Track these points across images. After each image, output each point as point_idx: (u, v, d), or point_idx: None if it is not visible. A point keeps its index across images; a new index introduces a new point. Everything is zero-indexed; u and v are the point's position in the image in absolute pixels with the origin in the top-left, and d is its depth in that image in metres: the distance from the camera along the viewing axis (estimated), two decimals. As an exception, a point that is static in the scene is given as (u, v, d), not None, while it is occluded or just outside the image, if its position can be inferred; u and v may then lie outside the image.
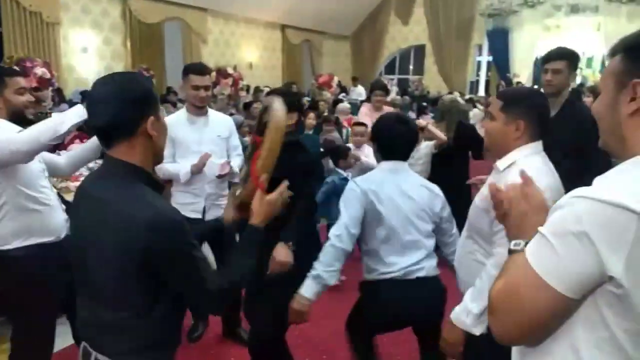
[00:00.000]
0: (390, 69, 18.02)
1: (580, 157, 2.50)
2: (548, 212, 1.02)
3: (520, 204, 1.07)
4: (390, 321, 2.21)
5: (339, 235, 2.06)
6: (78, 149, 2.46)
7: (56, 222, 2.21)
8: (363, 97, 11.69)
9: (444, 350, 1.86)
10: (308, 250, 2.17)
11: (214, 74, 7.79)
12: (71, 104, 7.36)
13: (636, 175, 0.87)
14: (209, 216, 2.98)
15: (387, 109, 4.82)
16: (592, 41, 12.30)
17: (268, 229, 1.47)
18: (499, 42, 13.51)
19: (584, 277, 0.85)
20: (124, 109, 1.23)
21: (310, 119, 5.60)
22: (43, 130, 1.97)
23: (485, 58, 15.56)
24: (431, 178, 2.68)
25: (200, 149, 2.96)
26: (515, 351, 1.07)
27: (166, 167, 2.92)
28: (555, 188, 1.60)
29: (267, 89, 11.41)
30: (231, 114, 5.80)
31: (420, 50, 16.93)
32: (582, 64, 11.00)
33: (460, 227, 2.09)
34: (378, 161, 2.29)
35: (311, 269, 2.03)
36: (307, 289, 2.01)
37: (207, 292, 1.29)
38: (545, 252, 0.89)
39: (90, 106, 1.29)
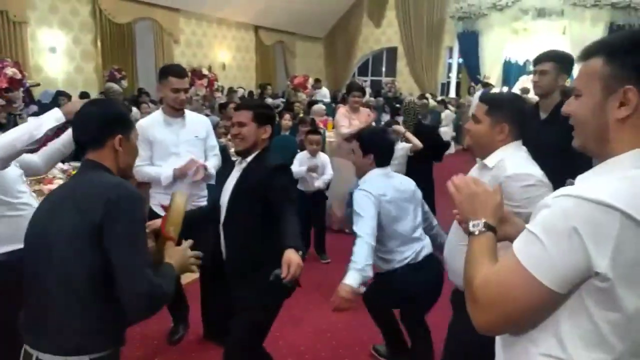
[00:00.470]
0: (363, 70, 18.16)
1: (566, 157, 2.55)
2: (498, 192, 1.12)
3: (470, 186, 1.16)
4: (409, 297, 2.55)
5: (369, 233, 2.33)
6: (52, 143, 2.41)
7: None
8: (327, 98, 11.72)
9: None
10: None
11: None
12: (40, 105, 7.15)
13: (618, 175, 0.91)
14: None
15: (363, 110, 4.89)
16: (559, 44, 12.61)
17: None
18: (469, 45, 13.70)
19: (572, 272, 0.88)
20: (95, 127, 1.54)
21: (286, 120, 5.63)
22: (18, 135, 1.94)
23: (456, 60, 15.80)
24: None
25: (177, 150, 2.95)
26: (499, 339, 1.10)
27: (146, 170, 2.90)
28: (543, 175, 1.75)
29: (241, 90, 11.40)
30: (206, 115, 5.76)
31: (392, 52, 17.13)
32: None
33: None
34: (365, 169, 2.60)
35: (352, 263, 2.23)
36: (353, 280, 2.18)
37: (138, 269, 1.38)
38: (534, 248, 0.91)
39: (74, 122, 1.63)
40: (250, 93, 11.81)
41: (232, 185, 2.29)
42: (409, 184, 2.68)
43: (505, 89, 11.62)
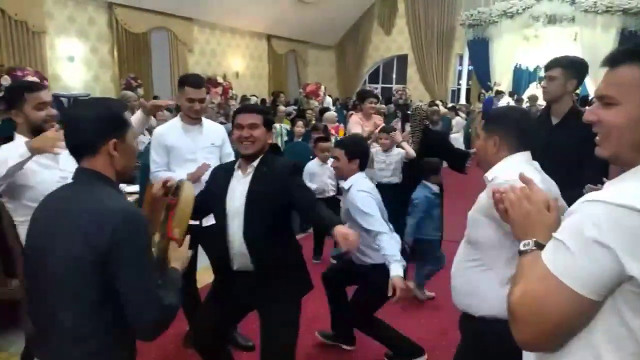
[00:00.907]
0: (373, 77, 18.27)
1: (577, 161, 2.46)
2: (553, 209, 1.07)
3: (523, 205, 1.09)
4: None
5: (386, 227, 2.58)
6: None
7: None
8: (331, 106, 11.78)
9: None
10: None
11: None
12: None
13: None
14: (206, 222, 3.04)
15: (376, 117, 4.95)
16: (570, 51, 12.57)
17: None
18: (480, 52, 13.71)
19: (603, 278, 0.86)
20: (84, 134, 1.41)
21: (299, 127, 5.75)
22: None
23: (466, 67, 15.81)
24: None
25: (194, 157, 3.01)
26: (530, 355, 1.07)
27: (162, 176, 2.98)
28: (546, 189, 1.69)
29: (254, 98, 11.53)
30: (221, 123, 5.87)
31: (402, 59, 17.23)
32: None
33: None
34: (351, 173, 2.84)
35: (389, 257, 2.42)
36: (400, 270, 2.37)
37: (145, 296, 1.35)
38: (564, 256, 0.90)
39: (66, 128, 1.47)
40: (263, 101, 11.94)
41: (242, 192, 2.25)
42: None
43: (510, 101, 11.49)
